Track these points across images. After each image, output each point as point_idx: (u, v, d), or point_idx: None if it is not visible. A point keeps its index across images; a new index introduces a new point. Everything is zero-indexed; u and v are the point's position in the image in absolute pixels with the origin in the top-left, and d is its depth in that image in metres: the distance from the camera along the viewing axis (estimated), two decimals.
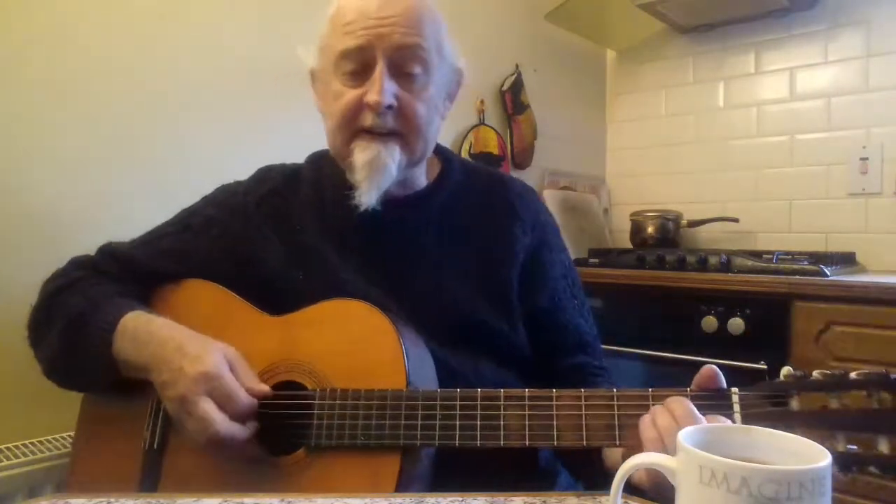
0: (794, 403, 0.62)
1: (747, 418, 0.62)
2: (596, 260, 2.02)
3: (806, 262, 1.64)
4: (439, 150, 0.99)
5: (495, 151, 2.07)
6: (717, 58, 2.33)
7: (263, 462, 0.77)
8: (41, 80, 1.14)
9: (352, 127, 0.84)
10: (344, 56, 0.83)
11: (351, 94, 0.83)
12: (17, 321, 0.92)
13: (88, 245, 0.97)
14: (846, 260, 1.86)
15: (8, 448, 1.07)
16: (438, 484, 0.74)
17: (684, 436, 0.46)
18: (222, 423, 0.73)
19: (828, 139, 2.09)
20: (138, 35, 1.27)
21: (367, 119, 0.82)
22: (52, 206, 1.16)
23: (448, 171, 0.96)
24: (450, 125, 1.97)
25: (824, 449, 0.44)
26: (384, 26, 0.81)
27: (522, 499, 0.61)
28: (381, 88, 0.81)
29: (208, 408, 0.73)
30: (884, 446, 0.57)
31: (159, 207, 1.01)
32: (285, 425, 0.77)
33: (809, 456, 0.44)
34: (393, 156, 0.83)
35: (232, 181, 1.00)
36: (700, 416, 0.61)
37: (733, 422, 0.62)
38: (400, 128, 0.84)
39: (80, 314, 0.83)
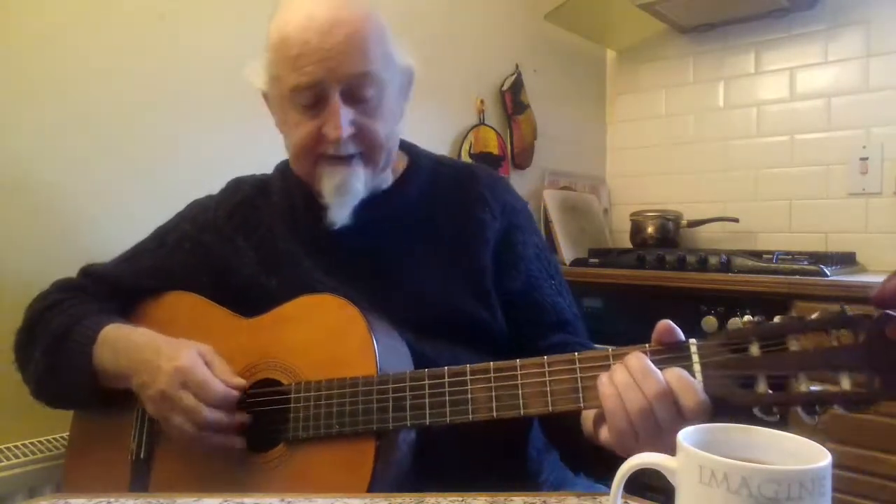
0: (754, 349, 0.61)
1: (707, 367, 0.62)
2: (596, 260, 2.02)
3: (806, 262, 1.64)
4: (405, 146, 0.99)
5: (495, 151, 2.07)
6: (717, 58, 2.33)
7: (246, 460, 0.78)
8: (40, 80, 1.14)
9: (313, 155, 0.85)
10: (295, 92, 0.83)
11: (309, 126, 0.83)
12: (17, 321, 0.92)
13: (88, 245, 0.98)
14: (846, 260, 1.86)
15: (8, 448, 1.07)
16: (424, 477, 0.75)
17: (684, 436, 0.46)
18: (206, 409, 0.75)
19: (828, 139, 2.09)
20: (138, 35, 1.27)
21: (329, 149, 0.84)
22: (53, 207, 1.16)
23: (414, 166, 0.97)
24: (450, 125, 1.98)
25: (824, 449, 0.44)
26: (332, 58, 0.80)
27: (522, 499, 0.61)
28: (339, 124, 0.81)
29: (192, 399, 0.75)
30: (846, 383, 0.56)
31: (159, 207, 1.02)
32: (264, 422, 0.78)
33: (809, 456, 0.44)
34: (358, 176, 0.86)
35: (204, 196, 1.02)
36: (655, 369, 0.62)
37: (692, 373, 0.62)
38: (361, 150, 0.85)
39: (63, 331, 0.85)
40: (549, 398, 0.68)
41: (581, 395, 0.67)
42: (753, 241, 2.23)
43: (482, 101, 2.06)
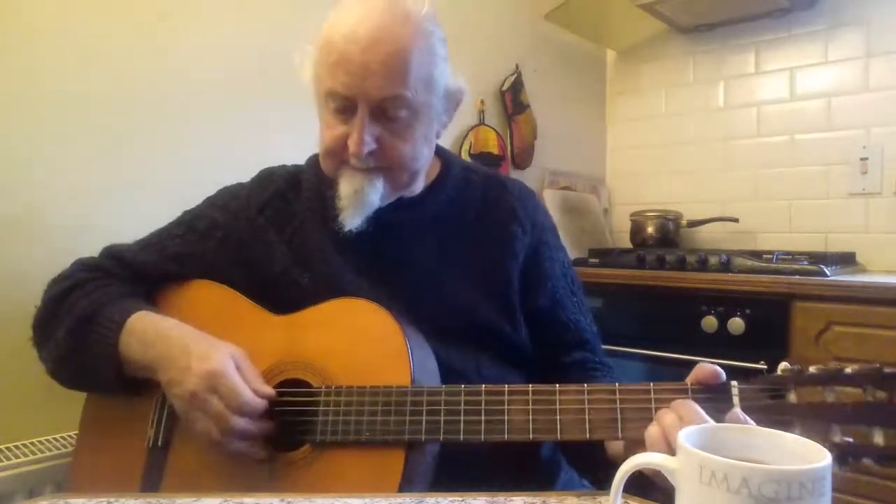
0: (792, 397, 0.63)
1: (746, 411, 0.63)
2: (596, 260, 2.02)
3: (806, 262, 1.64)
4: (439, 152, 0.99)
5: (495, 151, 2.07)
6: (717, 58, 2.33)
7: (269, 458, 0.77)
8: (41, 79, 1.14)
9: (338, 160, 0.86)
10: (329, 96, 0.84)
11: (337, 132, 0.84)
12: (18, 321, 0.92)
13: (89, 245, 0.97)
14: (846, 260, 1.86)
15: (8, 448, 1.07)
16: (441, 478, 0.75)
17: (684, 436, 0.46)
18: (233, 418, 0.74)
19: (828, 139, 2.09)
20: (139, 34, 1.27)
21: (350, 159, 0.84)
22: (53, 206, 1.16)
23: (447, 173, 0.97)
24: (450, 125, 1.97)
25: (824, 449, 0.44)
26: (366, 77, 0.80)
27: (522, 499, 0.61)
28: (360, 140, 0.82)
29: (220, 405, 0.74)
30: (878, 438, 0.59)
31: (159, 207, 1.01)
32: (291, 422, 0.78)
33: (809, 456, 0.44)
34: (375, 187, 0.86)
35: (234, 183, 1.01)
36: (707, 417, 0.62)
37: None
38: (382, 165, 0.85)
39: (87, 315, 0.84)
40: (588, 426, 0.69)
41: (619, 425, 0.68)
42: (753, 241, 2.23)
43: (482, 101, 2.06)
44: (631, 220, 2.31)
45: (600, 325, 1.01)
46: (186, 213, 0.99)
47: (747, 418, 0.62)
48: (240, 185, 1.00)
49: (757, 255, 1.76)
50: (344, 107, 0.83)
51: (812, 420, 0.62)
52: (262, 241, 0.93)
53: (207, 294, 0.91)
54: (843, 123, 2.06)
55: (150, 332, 0.82)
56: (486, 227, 0.93)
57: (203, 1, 1.37)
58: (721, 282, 1.66)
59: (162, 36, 1.30)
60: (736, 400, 0.65)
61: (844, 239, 2.04)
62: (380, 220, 0.88)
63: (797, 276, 1.58)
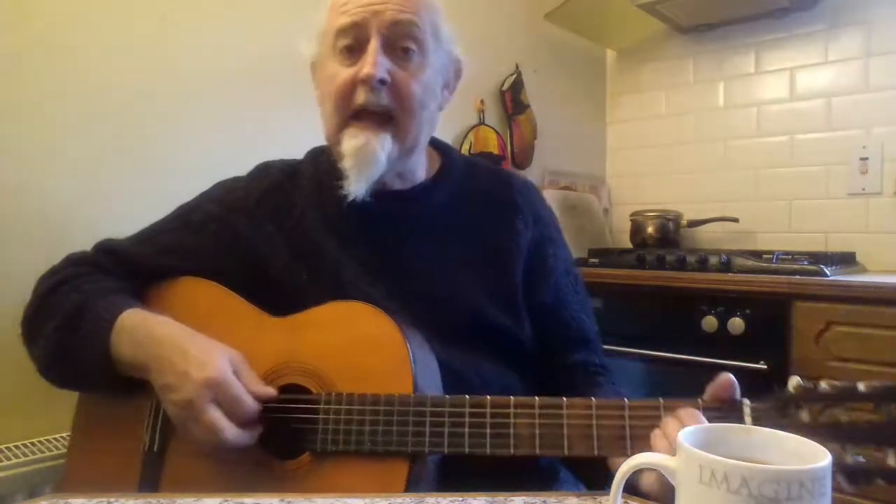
0: (804, 415, 0.62)
1: None
2: (596, 260, 2.02)
3: (806, 262, 1.64)
4: (439, 146, 0.98)
5: (495, 151, 2.07)
6: (717, 58, 2.33)
7: (267, 466, 0.76)
8: (41, 79, 1.14)
9: (346, 109, 0.84)
10: (339, 33, 0.84)
11: (346, 73, 0.83)
12: (17, 320, 0.92)
13: (87, 244, 0.97)
14: (846, 260, 1.86)
15: (8, 448, 1.07)
16: (439, 481, 0.74)
17: (684, 436, 0.46)
18: (231, 430, 0.72)
19: (828, 139, 2.09)
20: (138, 35, 1.27)
21: (361, 96, 0.82)
22: (52, 206, 1.16)
23: (449, 166, 0.95)
24: (450, 125, 1.97)
25: (824, 449, 0.44)
26: (378, 3, 0.83)
27: (522, 499, 0.61)
28: (375, 62, 0.81)
29: (217, 415, 0.72)
30: (892, 459, 0.58)
31: (159, 207, 1.01)
32: (290, 429, 0.76)
33: (809, 456, 0.44)
34: (383, 144, 0.83)
35: (230, 177, 0.99)
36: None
37: None
38: (394, 106, 0.83)
39: (76, 311, 0.81)
40: (596, 442, 0.67)
41: (629, 442, 0.66)
42: (753, 241, 2.23)
43: (482, 101, 2.06)
44: (631, 220, 2.31)
45: (600, 325, 1.00)
46: (181, 206, 0.96)
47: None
48: (236, 179, 0.98)
49: (757, 255, 1.76)
50: (355, 40, 0.83)
51: (825, 440, 0.59)
52: (260, 234, 0.90)
53: (202, 292, 0.88)
54: (842, 123, 2.06)
55: (140, 330, 0.79)
56: (489, 222, 0.91)
57: (203, 2, 1.37)
58: (721, 282, 1.66)
59: (162, 37, 1.30)
60: (748, 420, 0.63)
61: (844, 239, 2.04)
62: (382, 212, 0.86)
63: (797, 276, 1.58)
